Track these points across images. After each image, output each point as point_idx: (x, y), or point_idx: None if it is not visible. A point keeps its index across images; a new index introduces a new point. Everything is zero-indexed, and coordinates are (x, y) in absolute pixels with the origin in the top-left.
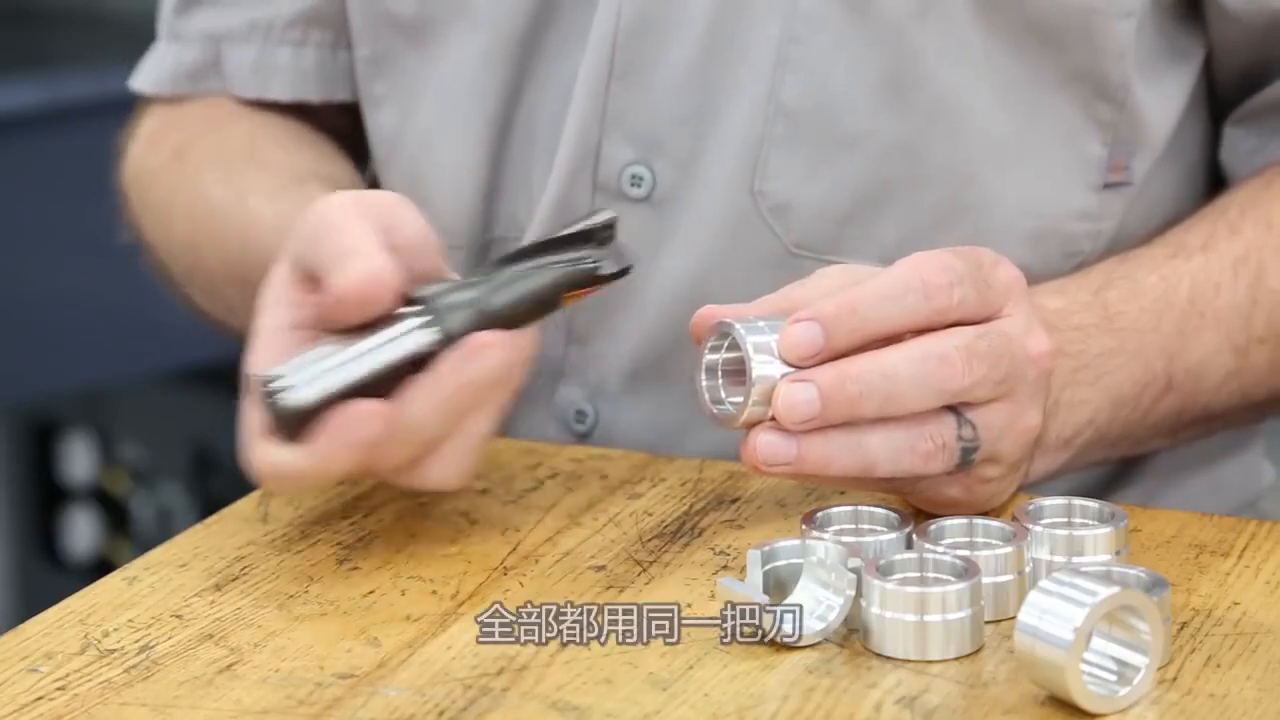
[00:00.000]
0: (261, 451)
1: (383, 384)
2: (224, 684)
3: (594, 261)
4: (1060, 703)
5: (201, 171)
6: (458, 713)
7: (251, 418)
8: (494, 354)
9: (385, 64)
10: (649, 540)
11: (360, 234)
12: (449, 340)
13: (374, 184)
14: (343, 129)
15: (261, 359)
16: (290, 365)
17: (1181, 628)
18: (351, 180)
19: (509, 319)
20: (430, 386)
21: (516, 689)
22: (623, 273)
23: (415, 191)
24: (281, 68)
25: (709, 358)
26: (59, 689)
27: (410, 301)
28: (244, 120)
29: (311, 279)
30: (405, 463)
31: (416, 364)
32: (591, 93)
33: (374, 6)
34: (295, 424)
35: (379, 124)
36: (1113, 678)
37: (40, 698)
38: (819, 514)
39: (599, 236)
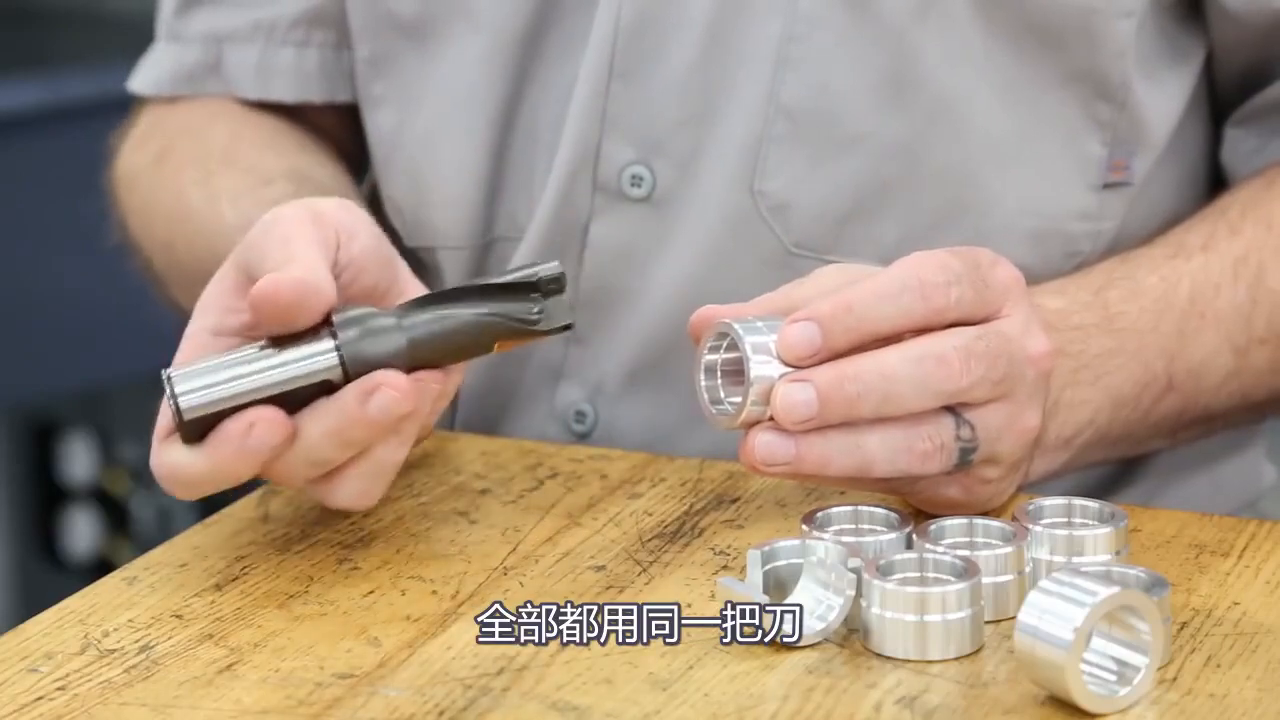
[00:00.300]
0: (162, 453)
1: (287, 400)
2: (224, 684)
3: (537, 313)
4: (1060, 703)
5: (180, 173)
6: (458, 713)
7: (161, 419)
8: (388, 394)
9: (385, 64)
10: (649, 540)
11: (304, 246)
12: (346, 368)
13: (375, 188)
14: (343, 132)
15: (181, 360)
16: (197, 369)
17: (1181, 628)
18: (333, 180)
19: (430, 355)
20: (326, 415)
21: (516, 689)
22: (563, 329)
23: (415, 192)
24: (284, 69)
25: (708, 358)
26: (59, 689)
27: (329, 321)
28: (228, 120)
29: (250, 286)
30: (306, 480)
31: (327, 385)
32: (592, 93)
33: (375, 7)
34: (194, 427)
35: (377, 124)
36: (1113, 678)
37: (40, 698)
38: (819, 514)
39: (545, 288)
